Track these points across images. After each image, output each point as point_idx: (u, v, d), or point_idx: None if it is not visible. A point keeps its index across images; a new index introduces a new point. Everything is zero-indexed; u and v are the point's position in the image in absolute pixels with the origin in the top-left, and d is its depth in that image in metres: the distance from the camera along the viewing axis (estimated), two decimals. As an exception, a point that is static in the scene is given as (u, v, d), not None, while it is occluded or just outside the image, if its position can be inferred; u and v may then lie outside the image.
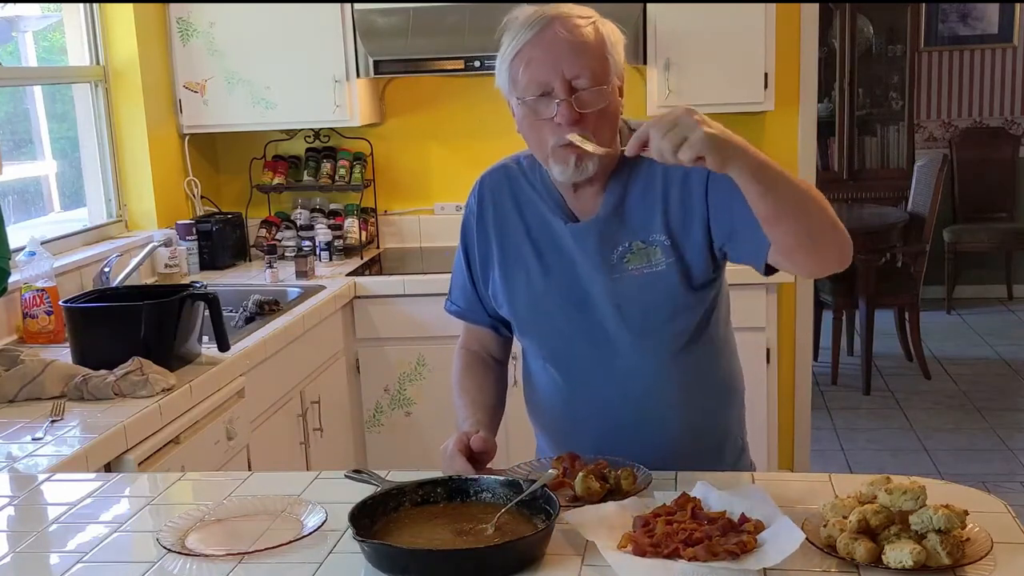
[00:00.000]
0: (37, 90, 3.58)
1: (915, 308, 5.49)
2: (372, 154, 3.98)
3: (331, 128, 3.97)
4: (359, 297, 3.51)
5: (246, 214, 3.96)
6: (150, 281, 3.47)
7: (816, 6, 3.75)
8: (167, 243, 3.45)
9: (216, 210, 3.99)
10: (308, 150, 4.04)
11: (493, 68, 3.87)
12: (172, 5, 3.71)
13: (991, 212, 7.03)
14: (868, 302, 5.26)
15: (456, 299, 1.93)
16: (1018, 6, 6.89)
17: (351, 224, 3.92)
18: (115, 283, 3.05)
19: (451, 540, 1.39)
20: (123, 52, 3.59)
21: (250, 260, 3.95)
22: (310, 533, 1.46)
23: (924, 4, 6.80)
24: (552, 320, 1.77)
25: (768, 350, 3.53)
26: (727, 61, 3.53)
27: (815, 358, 5.18)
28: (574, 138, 1.57)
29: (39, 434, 2.05)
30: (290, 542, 1.44)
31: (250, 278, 3.63)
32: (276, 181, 3.94)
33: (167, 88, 3.75)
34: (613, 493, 1.55)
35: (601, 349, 1.75)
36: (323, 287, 3.38)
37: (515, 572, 1.32)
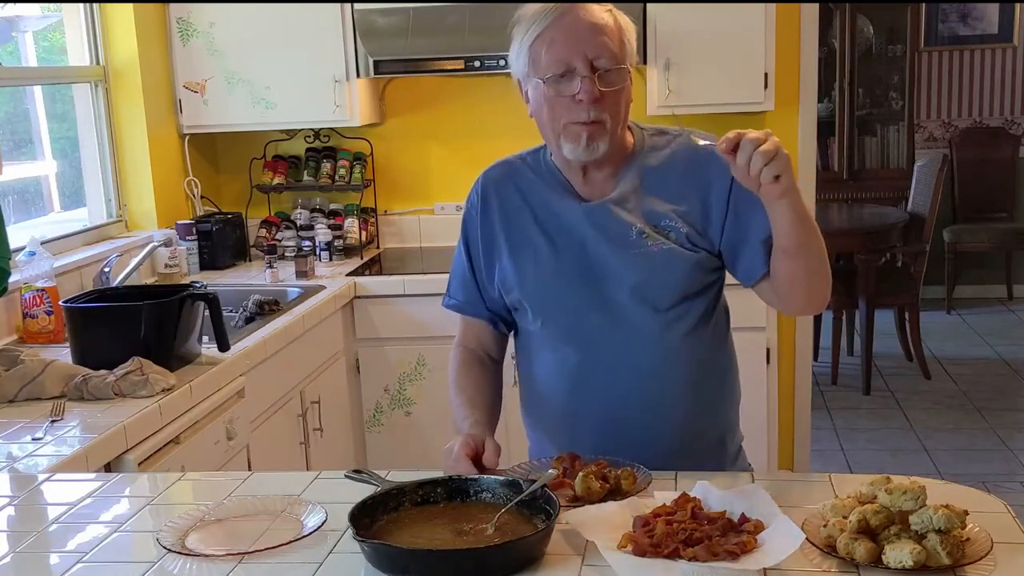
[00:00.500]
0: (37, 90, 3.58)
1: (915, 308, 5.49)
2: (372, 154, 3.99)
3: (331, 128, 3.97)
4: (359, 297, 3.51)
5: (246, 214, 3.96)
6: (150, 281, 3.47)
7: (816, 6, 3.75)
8: (167, 243, 3.45)
9: (216, 210, 3.99)
10: (308, 150, 4.04)
11: (493, 68, 3.90)
12: (172, 5, 3.71)
13: (991, 212, 7.03)
14: (868, 302, 5.26)
15: (455, 293, 1.94)
16: (1018, 6, 6.89)
17: (351, 224, 3.92)
18: (115, 283, 3.05)
19: (451, 540, 1.39)
20: (123, 52, 3.59)
21: (250, 260, 3.95)
22: (310, 533, 1.46)
23: (924, 4, 6.80)
24: (564, 297, 1.78)
25: (768, 350, 3.53)
26: (727, 61, 3.53)
27: (815, 358, 5.18)
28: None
29: (39, 434, 2.05)
30: (290, 542, 1.44)
31: (250, 278, 3.64)
32: (276, 181, 3.94)
33: (167, 88, 3.75)
34: (613, 493, 1.55)
35: (614, 324, 1.76)
36: (323, 287, 3.38)
37: (515, 572, 1.32)
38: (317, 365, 3.23)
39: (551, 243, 1.79)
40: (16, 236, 2.88)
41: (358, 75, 3.68)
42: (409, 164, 4.05)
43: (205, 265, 3.75)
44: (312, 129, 4.00)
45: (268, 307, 3.17)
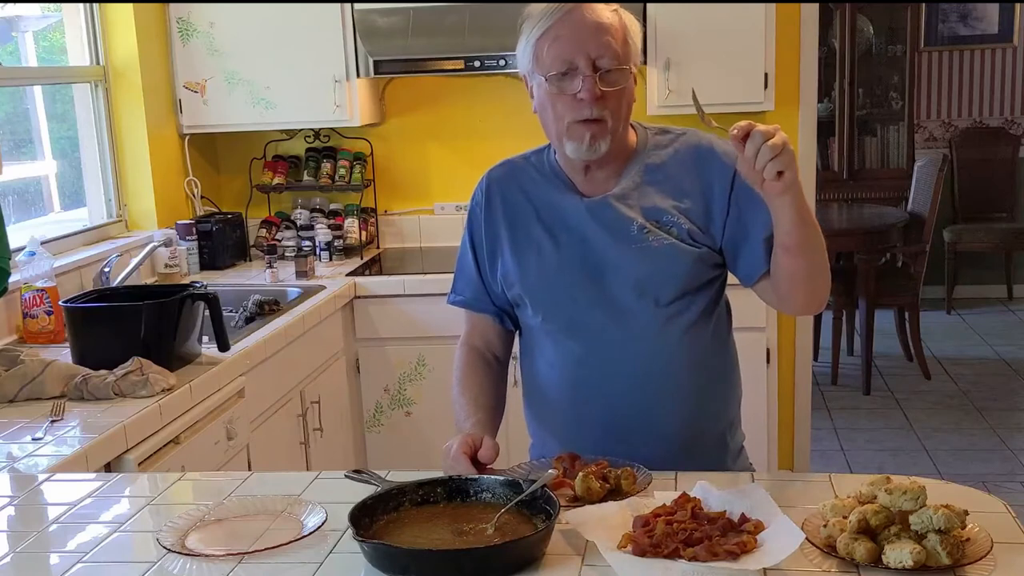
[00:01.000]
0: (37, 90, 3.58)
1: (915, 308, 5.49)
2: (372, 154, 3.99)
3: (331, 128, 3.97)
4: (359, 297, 3.51)
5: (246, 214, 3.96)
6: (150, 281, 3.47)
7: (816, 6, 3.75)
8: (167, 243, 3.45)
9: (216, 210, 3.99)
10: (308, 150, 4.04)
11: (493, 68, 3.90)
12: (172, 5, 3.71)
13: (991, 212, 7.03)
14: (868, 302, 5.26)
15: (461, 290, 1.94)
16: (1018, 6, 6.89)
17: (351, 224, 3.92)
18: (115, 283, 3.05)
19: (451, 540, 1.39)
20: (123, 52, 3.59)
21: (250, 260, 3.95)
22: (310, 533, 1.46)
23: (924, 4, 6.80)
24: (566, 291, 1.79)
25: (768, 350, 3.53)
26: (727, 61, 3.53)
27: (815, 358, 5.18)
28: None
29: (39, 434, 2.05)
30: (290, 542, 1.44)
31: (250, 278, 3.64)
32: (276, 181, 3.94)
33: (167, 88, 3.75)
34: (613, 493, 1.55)
35: (615, 318, 1.77)
36: (323, 287, 3.38)
37: (515, 572, 1.32)
38: (317, 365, 3.23)
39: (553, 239, 1.80)
40: (16, 236, 2.88)
41: (358, 75, 3.68)
42: (409, 164, 4.05)
43: (205, 265, 3.75)
44: (312, 129, 4.00)
45: (268, 307, 3.17)
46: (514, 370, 1.97)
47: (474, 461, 1.62)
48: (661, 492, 1.51)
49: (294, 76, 3.69)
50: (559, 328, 1.81)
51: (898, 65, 6.68)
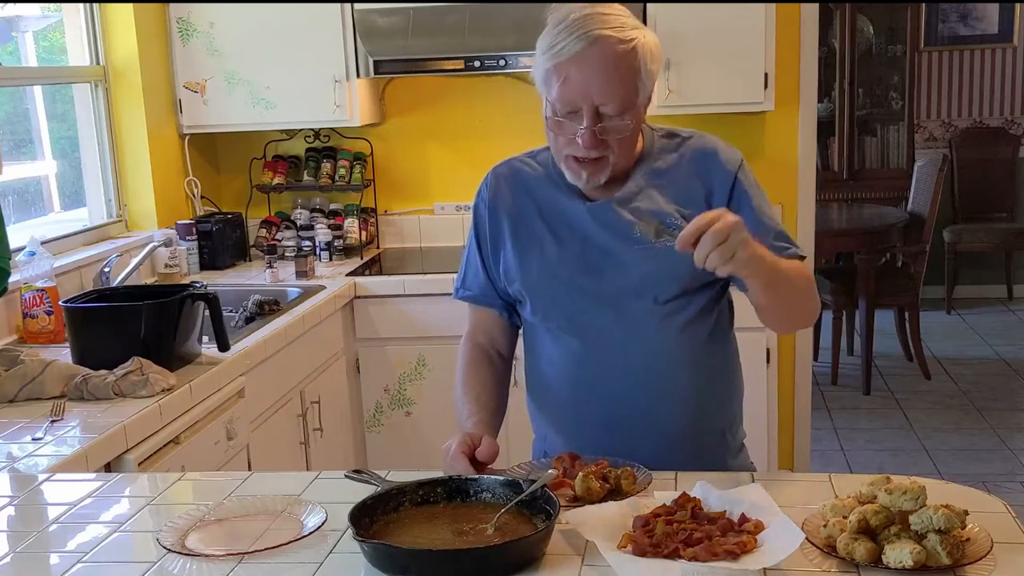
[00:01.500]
0: (37, 90, 3.58)
1: (915, 308, 5.49)
2: (372, 154, 3.98)
3: (331, 128, 3.97)
4: (359, 297, 3.51)
5: (246, 214, 3.96)
6: (150, 281, 3.47)
7: (816, 6, 3.75)
8: (167, 243, 3.45)
9: (216, 210, 3.99)
10: (308, 150, 4.04)
11: (493, 68, 3.90)
12: (172, 5, 3.71)
13: (991, 212, 7.03)
14: (868, 302, 5.26)
15: (469, 285, 1.94)
16: (1018, 6, 6.89)
17: (351, 224, 3.92)
18: (115, 283, 3.05)
19: (451, 540, 1.39)
20: (123, 52, 3.59)
21: (250, 260, 3.95)
22: (310, 533, 1.46)
23: (924, 4, 6.80)
24: (567, 288, 1.80)
25: (768, 350, 3.53)
26: (727, 61, 3.53)
27: (815, 358, 5.18)
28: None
29: (39, 434, 2.05)
30: (290, 542, 1.44)
31: (250, 278, 3.64)
32: (276, 181, 3.94)
33: (167, 88, 3.75)
34: (613, 493, 1.55)
35: (614, 314, 1.78)
36: (323, 287, 3.38)
37: (515, 572, 1.32)
38: (317, 365, 3.23)
39: (555, 237, 1.81)
40: (16, 236, 2.88)
41: (358, 75, 3.68)
42: (409, 164, 4.05)
43: (205, 265, 3.75)
44: (312, 129, 4.00)
45: (268, 307, 3.17)
46: (514, 371, 1.98)
47: (473, 460, 1.62)
48: (661, 492, 1.52)
49: (294, 76, 3.69)
50: (559, 326, 1.82)
51: (898, 65, 6.68)
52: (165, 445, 2.26)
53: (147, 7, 3.63)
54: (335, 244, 3.87)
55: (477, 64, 3.57)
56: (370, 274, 3.64)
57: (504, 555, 1.32)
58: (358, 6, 3.60)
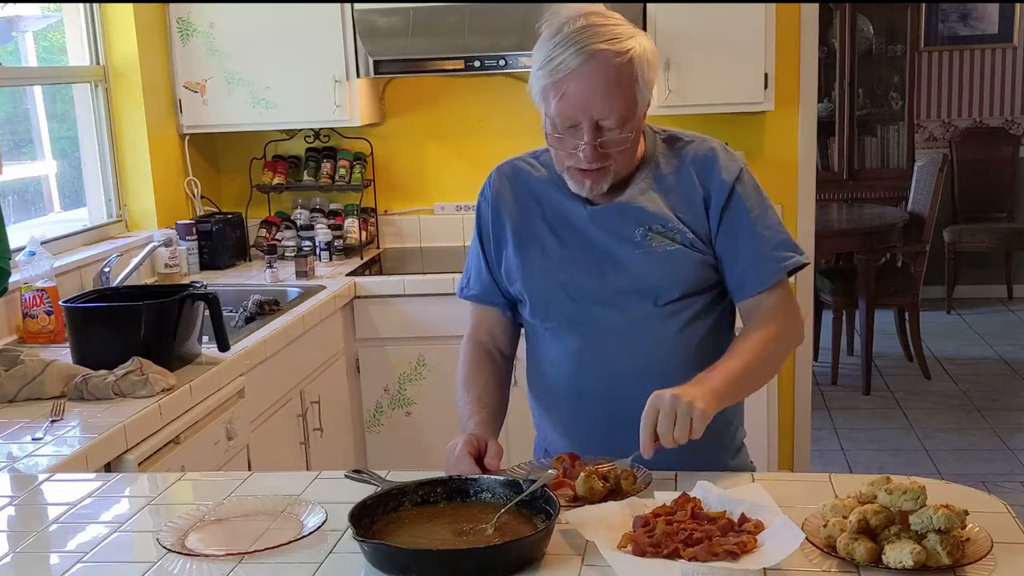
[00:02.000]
0: (37, 90, 3.58)
1: (915, 308, 5.49)
2: (372, 154, 3.98)
3: (331, 128, 3.97)
4: (359, 297, 3.51)
5: (246, 214, 3.96)
6: (150, 281, 3.47)
7: (816, 6, 3.75)
8: (167, 243, 3.44)
9: (216, 210, 3.99)
10: (308, 150, 4.04)
11: (493, 68, 3.90)
12: (172, 5, 3.71)
13: (991, 212, 7.03)
14: (868, 302, 5.26)
15: (472, 284, 1.95)
16: (1018, 6, 6.89)
17: (351, 224, 3.92)
18: (115, 283, 3.05)
19: (451, 540, 1.39)
20: (123, 52, 3.59)
21: (250, 260, 3.95)
22: (310, 533, 1.46)
23: (924, 4, 6.80)
24: (567, 287, 1.80)
25: (768, 350, 3.52)
26: (727, 61, 3.53)
27: (815, 358, 5.18)
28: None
29: (39, 434, 2.05)
30: (290, 542, 1.44)
31: (250, 278, 3.63)
32: (276, 181, 3.94)
33: (167, 88, 3.75)
34: (613, 493, 1.55)
35: (615, 315, 1.78)
36: (323, 287, 3.38)
37: (515, 572, 1.32)
38: (317, 365, 3.23)
39: (557, 238, 1.82)
40: (16, 236, 2.88)
41: (358, 75, 3.68)
42: (409, 164, 4.05)
43: (205, 265, 3.75)
44: (312, 129, 4.00)
45: (268, 307, 3.17)
46: (514, 371, 1.98)
47: (478, 462, 1.63)
48: (661, 492, 1.52)
49: (294, 76, 3.69)
50: (558, 325, 1.83)
51: (898, 65, 6.68)
52: (165, 445, 2.26)
53: (147, 7, 3.63)
54: (335, 244, 3.87)
55: (477, 64, 3.57)
56: (370, 274, 3.64)
57: (504, 555, 1.32)
58: (358, 6, 3.60)
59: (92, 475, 1.92)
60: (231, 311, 3.18)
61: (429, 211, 4.07)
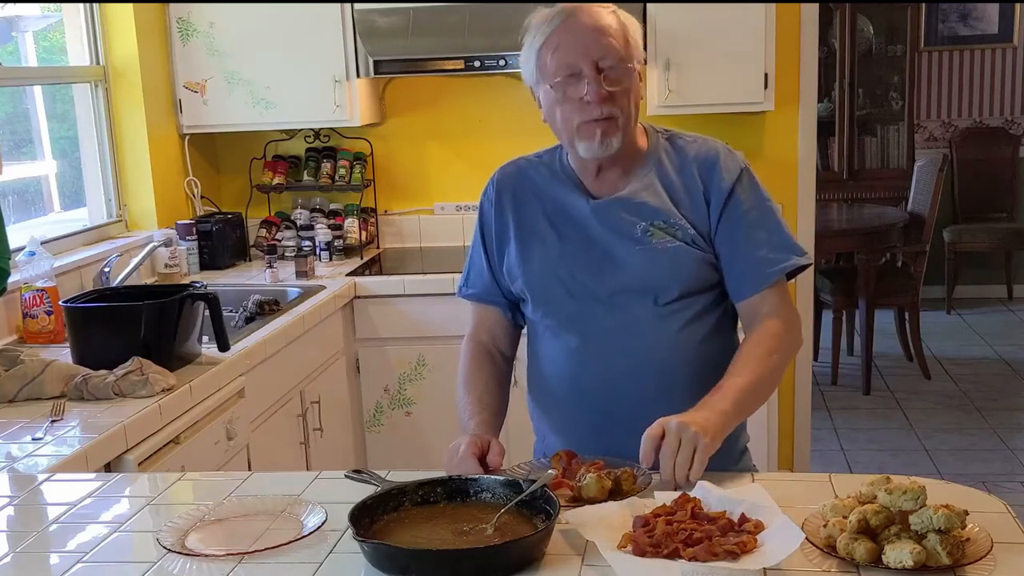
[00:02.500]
0: (37, 90, 3.58)
1: (915, 308, 5.49)
2: (372, 154, 3.98)
3: (331, 128, 3.97)
4: (359, 297, 3.51)
5: (246, 214, 3.96)
6: (150, 281, 3.47)
7: (816, 6, 3.75)
8: (167, 243, 3.44)
9: (216, 210, 3.99)
10: (308, 150, 4.04)
11: (493, 68, 3.91)
12: (172, 5, 3.71)
13: (991, 212, 7.03)
14: (868, 302, 5.26)
15: (472, 283, 1.96)
16: (1018, 6, 6.89)
17: (351, 224, 3.92)
18: (115, 283, 3.05)
19: (451, 540, 1.39)
20: (123, 52, 3.59)
21: (250, 260, 3.95)
22: (310, 533, 1.46)
23: (924, 4, 6.80)
24: (567, 285, 1.81)
25: (768, 350, 3.52)
26: (727, 61, 3.53)
27: (815, 358, 5.18)
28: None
29: (39, 434, 2.05)
30: (290, 542, 1.44)
31: (250, 278, 3.63)
32: (276, 181, 3.94)
33: (167, 88, 3.75)
34: (613, 493, 1.55)
35: (613, 313, 1.79)
36: (323, 287, 3.38)
37: (515, 572, 1.32)
38: (317, 365, 3.23)
39: (558, 234, 1.83)
40: (16, 236, 2.88)
41: (358, 75, 3.68)
42: (409, 164, 4.05)
43: (205, 265, 3.75)
44: (312, 129, 4.00)
45: (268, 307, 3.17)
46: (514, 371, 1.98)
47: (482, 462, 1.63)
48: (661, 492, 1.51)
49: (294, 76, 3.69)
50: (558, 323, 1.83)
51: (898, 65, 6.68)
52: (165, 445, 2.26)
53: (147, 7, 3.63)
54: (335, 244, 3.87)
55: (477, 64, 3.57)
56: (370, 274, 3.64)
57: (504, 555, 1.32)
58: (358, 6, 3.60)
59: (92, 475, 1.92)
60: (231, 311, 3.18)
61: (429, 211, 4.07)
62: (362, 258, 3.85)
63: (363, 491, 1.51)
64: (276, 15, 3.66)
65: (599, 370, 1.79)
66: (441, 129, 4.01)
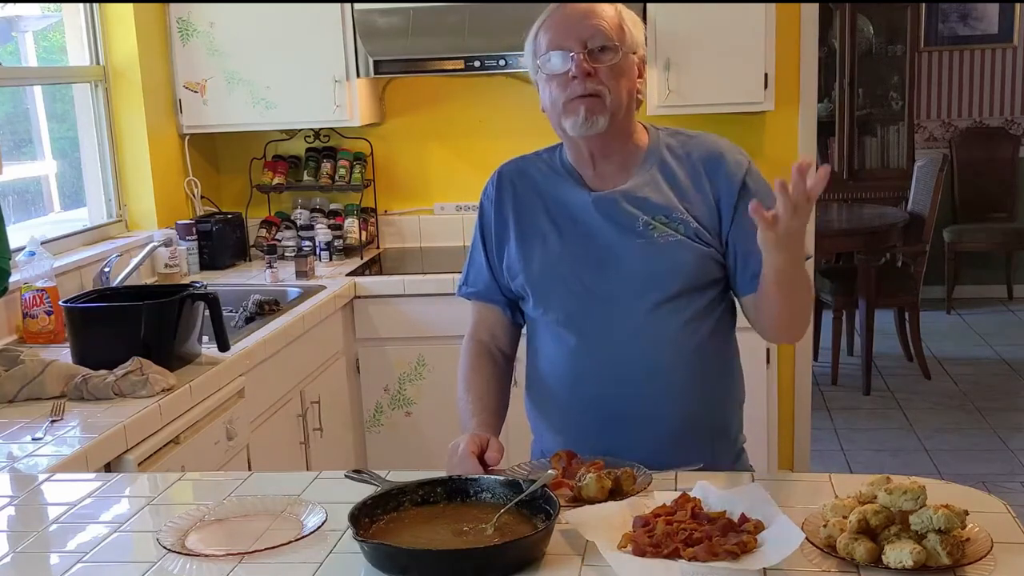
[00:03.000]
0: (37, 90, 3.58)
1: (915, 308, 5.48)
2: (372, 154, 3.98)
3: (331, 128, 3.97)
4: (359, 297, 3.51)
5: (246, 214, 3.96)
6: (150, 281, 3.47)
7: (816, 6, 3.75)
8: (167, 243, 3.45)
9: (216, 210, 3.99)
10: (308, 150, 4.04)
11: (493, 68, 3.91)
12: (172, 5, 3.71)
13: (991, 212, 7.03)
14: (868, 302, 5.26)
15: (472, 282, 1.96)
16: (1018, 6, 6.89)
17: (351, 224, 3.92)
18: (115, 283, 3.05)
19: (451, 540, 1.39)
20: (123, 52, 3.59)
21: (250, 260, 3.95)
22: (310, 533, 1.46)
23: (924, 4, 6.80)
24: (567, 282, 1.81)
25: (768, 350, 3.53)
26: (727, 61, 3.53)
27: (815, 358, 5.18)
28: None
29: (39, 434, 2.05)
30: (290, 542, 1.44)
31: (250, 278, 3.63)
32: (276, 181, 3.94)
33: (167, 88, 3.75)
34: (613, 493, 1.55)
35: (615, 310, 1.78)
36: (323, 287, 3.38)
37: (515, 572, 1.32)
38: (317, 365, 3.23)
39: (559, 231, 1.83)
40: (16, 236, 2.88)
41: (358, 75, 3.68)
42: (409, 164, 4.05)
43: (205, 265, 3.75)
44: (312, 129, 4.00)
45: (268, 307, 3.17)
46: (514, 371, 1.98)
47: (482, 462, 1.63)
48: (661, 492, 1.52)
49: (294, 76, 3.69)
50: (558, 320, 1.83)
51: (898, 65, 6.68)
52: (165, 445, 2.26)
53: (147, 7, 3.63)
54: (335, 244, 3.87)
55: (477, 64, 3.57)
56: (370, 274, 3.64)
57: (504, 555, 1.32)
58: (358, 6, 3.60)
59: (92, 475, 1.92)
60: (231, 311, 3.18)
61: (429, 211, 4.07)
62: (362, 258, 3.85)
63: (363, 491, 1.51)
64: (276, 15, 3.66)
65: (598, 368, 1.79)
66: (441, 129, 4.01)
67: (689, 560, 1.30)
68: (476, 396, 1.83)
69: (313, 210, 4.04)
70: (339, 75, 3.66)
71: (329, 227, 3.88)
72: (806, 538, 1.34)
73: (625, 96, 1.77)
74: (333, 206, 4.03)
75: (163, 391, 2.28)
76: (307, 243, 3.86)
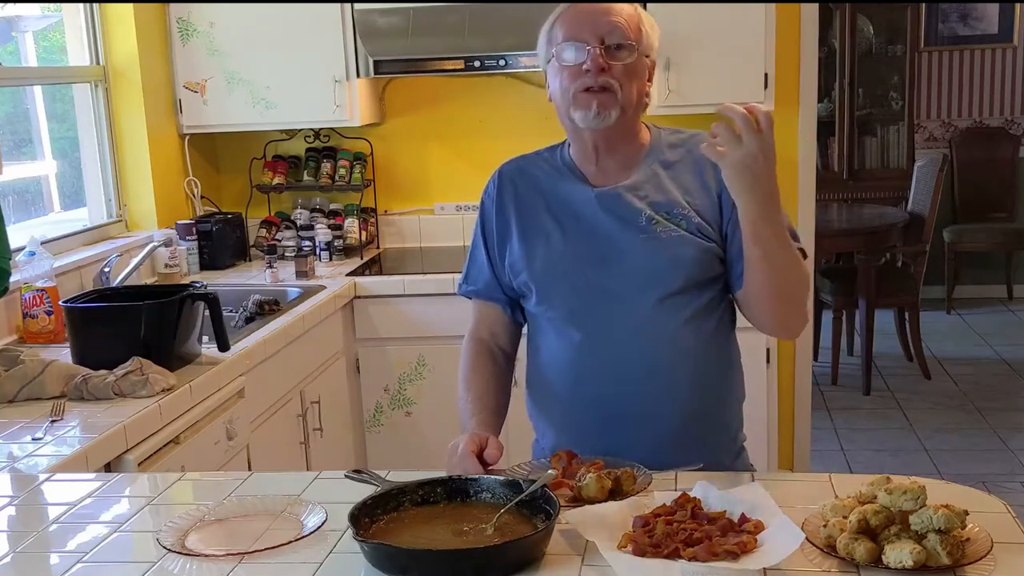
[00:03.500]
0: (37, 90, 3.58)
1: (915, 308, 5.48)
2: (372, 154, 3.98)
3: (331, 128, 3.97)
4: (359, 297, 3.51)
5: (246, 214, 3.96)
6: (150, 281, 3.47)
7: (816, 6, 3.75)
8: (167, 243, 3.45)
9: (216, 210, 3.99)
10: (308, 150, 4.04)
11: (493, 68, 3.91)
12: (172, 5, 3.71)
13: (991, 212, 7.03)
14: (868, 302, 5.26)
15: (473, 280, 1.96)
16: (1018, 6, 6.89)
17: (351, 224, 3.92)
18: (115, 283, 3.05)
19: (451, 540, 1.39)
20: (123, 52, 3.59)
21: (250, 260, 3.95)
22: (310, 533, 1.46)
23: (924, 4, 6.80)
24: (570, 279, 1.81)
25: (768, 350, 3.53)
26: (727, 61, 3.53)
27: (815, 358, 5.18)
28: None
29: (39, 434, 2.05)
30: (290, 542, 1.44)
31: (250, 278, 3.64)
32: (276, 181, 3.94)
33: (167, 88, 3.75)
34: (613, 493, 1.55)
35: (618, 307, 1.78)
36: (323, 287, 3.38)
37: (515, 572, 1.32)
38: (317, 365, 3.23)
39: (561, 228, 1.83)
40: (16, 236, 2.88)
41: (358, 75, 3.68)
42: (409, 164, 4.05)
43: (205, 265, 3.75)
44: (312, 129, 4.00)
45: (268, 307, 3.17)
46: (514, 371, 1.98)
47: (482, 461, 1.63)
48: (661, 492, 1.52)
49: (294, 76, 3.69)
50: (560, 316, 1.83)
51: (898, 65, 6.68)
52: (165, 445, 2.26)
53: (147, 7, 3.63)
54: (335, 244, 3.87)
55: (477, 64, 3.57)
56: (370, 274, 3.64)
57: (504, 555, 1.32)
58: (358, 6, 3.61)
59: (92, 475, 1.92)
60: (231, 311, 3.18)
61: (429, 211, 4.07)
62: (362, 258, 3.85)
63: (363, 491, 1.51)
64: (276, 15, 3.66)
65: (599, 366, 1.79)
66: (441, 129, 4.01)
67: (689, 560, 1.30)
68: (476, 395, 1.83)
69: (313, 210, 4.04)
70: (339, 75, 3.66)
71: (329, 227, 3.88)
72: (806, 538, 1.34)
73: (635, 95, 1.79)
74: (333, 206, 4.03)
75: (163, 391, 2.28)
76: (307, 243, 3.86)
